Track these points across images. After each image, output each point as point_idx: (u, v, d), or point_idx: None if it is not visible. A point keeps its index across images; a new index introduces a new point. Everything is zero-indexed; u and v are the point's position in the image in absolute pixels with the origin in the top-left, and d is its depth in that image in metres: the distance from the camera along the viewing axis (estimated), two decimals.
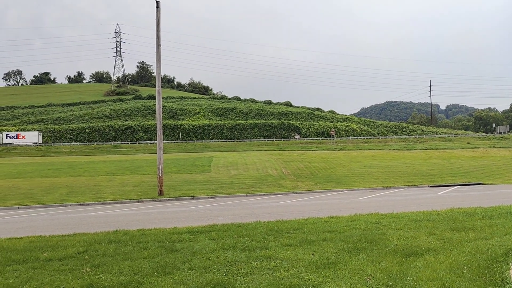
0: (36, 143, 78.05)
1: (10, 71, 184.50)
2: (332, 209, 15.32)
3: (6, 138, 78.21)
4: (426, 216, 10.92)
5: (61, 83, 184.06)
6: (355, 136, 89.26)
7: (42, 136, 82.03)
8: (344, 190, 27.29)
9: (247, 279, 5.50)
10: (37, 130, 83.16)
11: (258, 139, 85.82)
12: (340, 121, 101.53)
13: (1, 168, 42.00)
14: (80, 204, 22.15)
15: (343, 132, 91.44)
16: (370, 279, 5.38)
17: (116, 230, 10.03)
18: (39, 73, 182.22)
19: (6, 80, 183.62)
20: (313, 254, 6.84)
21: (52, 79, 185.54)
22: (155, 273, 5.82)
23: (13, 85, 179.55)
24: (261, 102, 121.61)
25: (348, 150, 60.43)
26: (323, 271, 5.78)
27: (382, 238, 8.05)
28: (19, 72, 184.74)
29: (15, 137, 78.82)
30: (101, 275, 5.86)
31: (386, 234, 8.53)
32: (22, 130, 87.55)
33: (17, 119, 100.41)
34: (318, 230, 9.22)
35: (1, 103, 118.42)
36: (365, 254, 6.74)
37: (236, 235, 8.85)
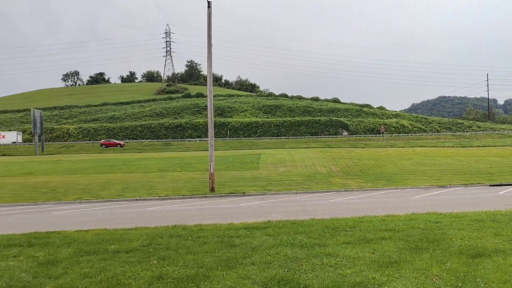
0: (15, 142, 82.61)
1: (68, 72, 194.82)
2: (386, 207, 15.02)
3: None
4: (489, 216, 10.46)
5: (114, 82, 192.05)
6: (406, 133, 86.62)
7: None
8: (397, 189, 26.60)
9: (310, 275, 5.54)
10: (15, 130, 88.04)
11: (306, 136, 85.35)
12: (390, 118, 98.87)
13: (62, 165, 44.54)
14: (136, 199, 23.05)
15: (393, 128, 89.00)
16: (436, 279, 5.26)
17: (175, 225, 10.38)
18: (94, 74, 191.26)
19: (65, 80, 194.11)
20: (373, 253, 6.77)
21: (107, 79, 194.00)
22: (219, 267, 6.00)
23: (71, 85, 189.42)
24: (308, 99, 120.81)
25: (398, 147, 58.77)
26: (386, 270, 5.71)
27: (444, 238, 7.81)
28: (76, 73, 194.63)
29: None
30: (168, 268, 6.12)
31: (448, 234, 8.27)
32: (79, 128, 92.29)
33: (75, 117, 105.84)
34: (375, 228, 9.10)
35: (60, 102, 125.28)
36: (428, 254, 6.59)
37: (292, 231, 8.91)
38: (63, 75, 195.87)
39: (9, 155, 62.27)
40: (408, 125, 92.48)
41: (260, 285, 5.20)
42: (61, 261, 6.78)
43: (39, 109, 77.95)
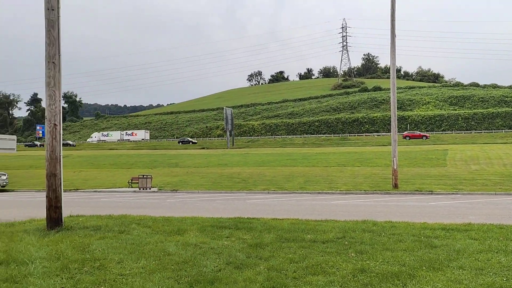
0: (143, 139, 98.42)
1: (253, 72, 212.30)
2: None
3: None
4: None
5: (293, 80, 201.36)
6: None
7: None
8: None
9: None
10: (144, 129, 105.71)
11: (502, 130, 74.59)
12: None
13: (250, 158, 48.94)
14: (318, 193, 23.76)
15: None
16: None
17: (365, 220, 10.35)
18: (275, 73, 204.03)
19: (249, 80, 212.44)
20: None
21: (286, 77, 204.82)
22: (423, 268, 5.75)
23: (254, 84, 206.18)
24: (505, 88, 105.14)
25: None
26: None
27: None
28: (259, 73, 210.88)
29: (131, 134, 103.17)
30: (367, 262, 6.15)
31: None
32: (262, 124, 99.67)
33: (259, 114, 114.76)
34: None
35: (246, 101, 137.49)
36: None
37: (502, 237, 7.94)
38: (248, 75, 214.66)
39: (207, 148, 71.39)
40: None
41: None
42: (266, 245, 7.48)
43: (229, 107, 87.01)
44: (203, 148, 71.52)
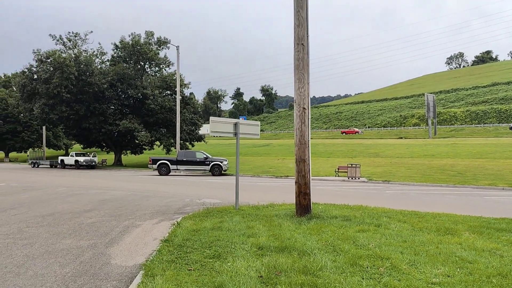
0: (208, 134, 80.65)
1: (452, 54, 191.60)
2: None
3: None
4: None
5: (503, 60, 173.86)
6: None
7: None
8: None
9: None
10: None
11: None
12: None
13: (460, 148, 43.54)
14: None
15: None
16: None
17: None
18: (480, 53, 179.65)
19: (448, 64, 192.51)
20: None
21: (494, 57, 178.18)
22: None
23: (455, 68, 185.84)
24: None
25: None
26: None
27: None
28: (460, 55, 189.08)
29: None
30: None
31: None
32: (467, 111, 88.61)
33: (462, 100, 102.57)
34: None
35: (445, 86, 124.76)
36: None
37: None
38: (447, 58, 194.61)
39: (404, 138, 67.05)
40: None
41: None
42: None
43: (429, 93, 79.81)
44: (400, 138, 67.42)
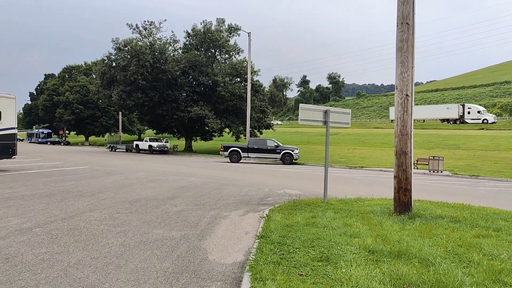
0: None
1: None
2: None
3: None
4: None
5: None
6: None
7: None
8: None
9: None
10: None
11: None
12: None
13: None
14: None
15: None
16: None
17: None
18: None
19: None
20: None
21: None
22: None
23: None
24: None
25: None
26: None
27: None
28: None
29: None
30: None
31: None
32: None
33: None
34: None
35: None
36: None
37: None
38: None
39: (486, 129, 62.18)
40: None
41: None
42: None
43: (508, 82, 73.19)
44: (482, 129, 62.60)
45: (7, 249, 5.72)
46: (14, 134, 18.72)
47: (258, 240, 6.22)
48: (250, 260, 5.24)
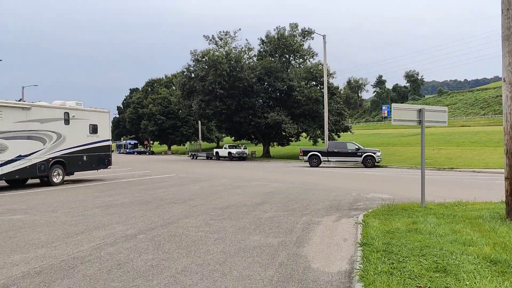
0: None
1: None
2: None
3: None
4: None
5: None
6: None
7: None
8: None
9: None
10: None
11: None
12: None
13: None
14: None
15: None
16: None
17: None
18: None
19: None
20: None
21: None
22: None
23: None
24: None
25: None
26: None
27: None
28: None
29: None
30: None
31: None
32: None
33: None
34: None
35: None
36: None
37: None
38: None
39: None
40: None
41: None
42: None
43: None
44: None
45: (117, 255, 6.01)
46: (109, 146, 20.11)
47: (361, 248, 5.93)
48: (357, 269, 4.98)
